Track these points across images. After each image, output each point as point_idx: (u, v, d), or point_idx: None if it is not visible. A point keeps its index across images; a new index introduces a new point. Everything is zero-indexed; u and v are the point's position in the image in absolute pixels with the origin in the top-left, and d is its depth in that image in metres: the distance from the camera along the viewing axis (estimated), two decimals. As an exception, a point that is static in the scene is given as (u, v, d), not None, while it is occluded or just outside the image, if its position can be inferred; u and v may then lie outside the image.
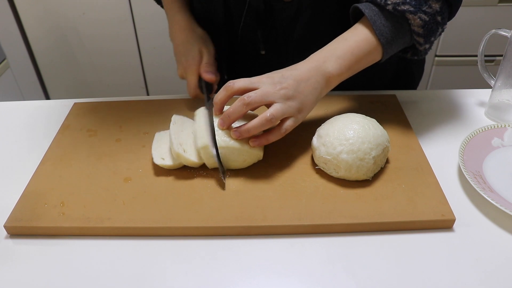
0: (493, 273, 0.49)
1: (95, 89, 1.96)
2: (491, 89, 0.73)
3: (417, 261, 0.51)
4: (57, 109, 0.78)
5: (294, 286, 0.49)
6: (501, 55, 0.70)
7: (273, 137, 0.59)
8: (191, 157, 0.60)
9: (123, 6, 1.71)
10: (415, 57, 0.69)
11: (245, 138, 0.59)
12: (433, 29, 0.63)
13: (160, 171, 0.61)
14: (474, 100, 0.78)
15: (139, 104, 0.77)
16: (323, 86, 0.61)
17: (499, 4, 1.55)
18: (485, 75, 0.75)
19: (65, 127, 0.72)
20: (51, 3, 1.71)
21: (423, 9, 0.61)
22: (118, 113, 0.75)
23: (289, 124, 0.59)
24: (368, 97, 0.77)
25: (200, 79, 0.74)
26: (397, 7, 0.61)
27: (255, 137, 0.59)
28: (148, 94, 1.98)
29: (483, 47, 0.73)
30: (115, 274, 0.50)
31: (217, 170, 0.61)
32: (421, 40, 0.64)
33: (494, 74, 0.74)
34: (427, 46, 0.65)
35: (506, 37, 0.68)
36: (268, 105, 0.58)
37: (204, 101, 0.69)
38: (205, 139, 0.59)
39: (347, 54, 0.62)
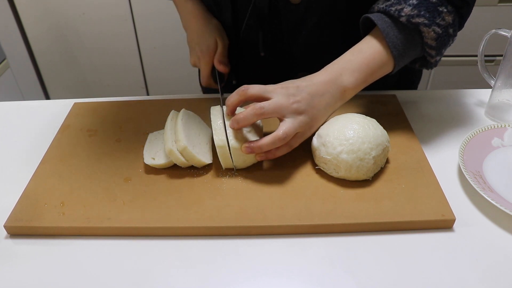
0: (493, 273, 0.49)
1: (95, 89, 1.96)
2: (491, 89, 0.73)
3: (417, 261, 0.51)
4: (57, 109, 0.78)
5: (294, 286, 0.49)
6: (501, 55, 0.70)
7: (280, 153, 0.59)
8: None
9: (123, 6, 1.71)
10: (424, 68, 0.69)
11: (246, 139, 0.59)
12: (445, 41, 0.63)
13: (160, 171, 0.61)
14: (474, 100, 0.78)
15: (139, 104, 0.77)
16: (337, 100, 0.61)
17: (499, 4, 1.55)
18: (485, 75, 0.75)
19: (65, 127, 0.72)
20: (51, 3, 1.71)
21: (437, 21, 0.61)
22: (118, 113, 0.75)
23: (297, 141, 0.60)
24: (368, 97, 0.77)
25: (213, 68, 0.75)
26: (411, 19, 0.60)
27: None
28: (148, 94, 1.98)
29: (483, 47, 0.73)
30: (115, 274, 0.50)
31: (217, 170, 0.61)
32: (433, 52, 0.64)
33: (494, 74, 0.73)
34: (438, 58, 0.65)
35: (506, 37, 0.68)
36: (279, 117, 0.58)
37: (218, 94, 0.71)
38: (183, 141, 0.59)
39: (363, 66, 0.61)
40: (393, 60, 0.62)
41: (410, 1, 0.61)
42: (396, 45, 0.61)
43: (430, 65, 0.67)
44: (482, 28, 0.88)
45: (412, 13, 0.60)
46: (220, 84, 0.73)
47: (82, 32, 1.79)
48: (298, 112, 0.58)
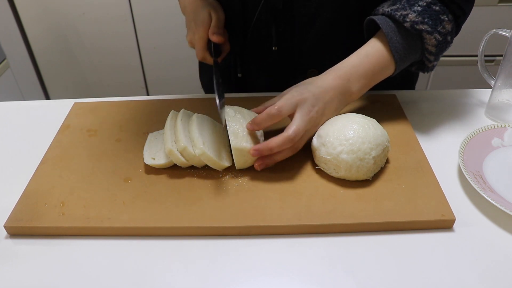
0: (493, 273, 0.49)
1: (95, 89, 1.96)
2: (491, 89, 0.73)
3: (417, 261, 0.51)
4: (57, 109, 0.78)
5: (294, 286, 0.49)
6: (501, 55, 0.70)
7: (280, 158, 0.61)
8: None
9: (123, 5, 1.71)
10: (420, 72, 0.72)
11: (246, 139, 0.59)
12: (443, 47, 0.66)
13: (160, 171, 0.61)
14: (474, 100, 0.78)
15: (139, 104, 0.77)
16: (344, 104, 0.65)
17: (499, 4, 1.55)
18: (485, 75, 0.75)
19: (65, 127, 0.72)
20: (51, 3, 1.71)
21: (438, 29, 0.63)
22: (118, 113, 0.75)
23: (301, 142, 0.62)
24: (368, 97, 0.77)
25: (208, 42, 0.74)
26: (415, 25, 0.63)
27: (261, 159, 0.60)
28: (148, 94, 1.98)
29: (483, 47, 0.73)
30: (115, 274, 0.50)
31: (217, 171, 0.61)
32: (432, 57, 0.67)
33: (494, 74, 0.73)
34: (435, 63, 0.68)
35: (506, 37, 0.68)
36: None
37: (214, 78, 0.68)
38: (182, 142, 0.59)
39: (369, 73, 0.64)
40: (395, 64, 0.65)
41: (415, 8, 0.63)
42: (398, 49, 0.64)
43: (427, 69, 0.70)
44: (482, 28, 0.88)
45: (417, 19, 0.62)
46: (216, 57, 0.72)
47: (82, 32, 1.79)
48: (314, 124, 0.61)
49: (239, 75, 0.83)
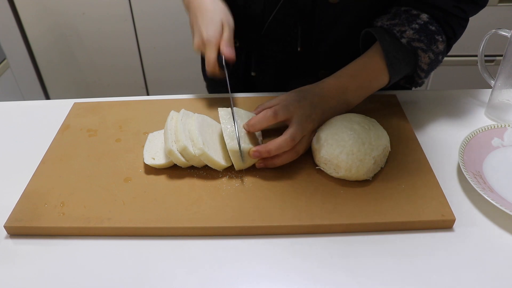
0: (493, 273, 0.49)
1: (95, 89, 1.96)
2: (491, 89, 0.73)
3: (417, 261, 0.51)
4: (57, 109, 0.78)
5: (294, 286, 0.49)
6: (501, 55, 0.70)
7: (280, 162, 0.61)
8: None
9: (123, 5, 1.71)
10: (408, 85, 0.74)
11: (243, 140, 0.59)
12: (434, 66, 0.68)
13: (160, 171, 0.61)
14: (474, 100, 0.78)
15: (139, 104, 0.77)
16: (340, 112, 0.65)
17: (499, 4, 1.55)
18: (485, 75, 0.75)
19: (65, 127, 0.72)
20: (51, 3, 1.71)
21: (432, 48, 0.65)
22: (118, 113, 0.75)
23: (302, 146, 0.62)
24: (368, 97, 0.76)
25: (218, 54, 0.68)
26: (412, 42, 0.65)
27: (261, 159, 0.60)
28: (148, 94, 1.98)
29: (483, 47, 0.73)
30: (115, 274, 0.50)
31: (217, 171, 0.61)
32: (423, 74, 0.69)
33: (494, 74, 0.73)
34: (424, 80, 0.71)
35: (506, 37, 0.68)
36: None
37: (226, 83, 0.66)
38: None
39: (365, 83, 0.66)
40: (389, 78, 0.66)
41: (413, 25, 0.64)
42: (394, 64, 0.65)
43: (415, 84, 0.72)
44: (482, 28, 0.88)
45: (414, 37, 0.64)
46: (227, 71, 0.67)
47: (82, 32, 1.79)
48: (312, 130, 0.62)
49: (253, 73, 0.81)
